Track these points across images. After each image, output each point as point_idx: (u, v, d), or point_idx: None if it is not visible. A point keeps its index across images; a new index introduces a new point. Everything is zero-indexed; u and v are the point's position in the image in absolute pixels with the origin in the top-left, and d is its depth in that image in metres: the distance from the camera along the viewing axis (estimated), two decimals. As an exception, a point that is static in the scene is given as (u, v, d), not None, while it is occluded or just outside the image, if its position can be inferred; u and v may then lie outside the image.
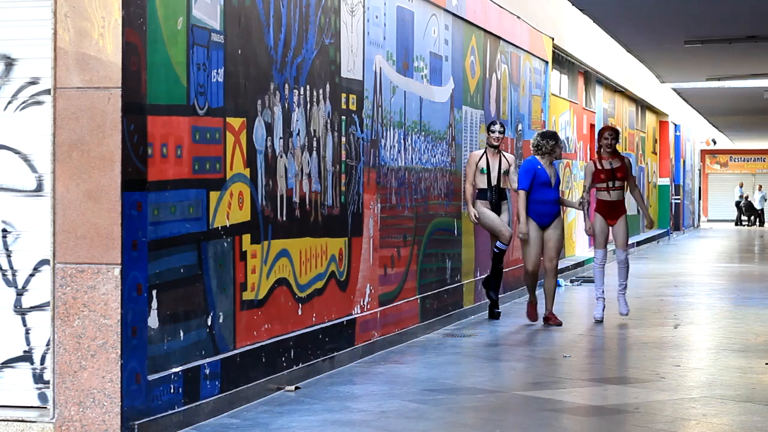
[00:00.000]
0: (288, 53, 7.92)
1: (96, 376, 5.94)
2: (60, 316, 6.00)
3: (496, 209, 11.81)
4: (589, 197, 11.88)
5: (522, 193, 11.34)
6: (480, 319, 11.96)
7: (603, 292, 11.89)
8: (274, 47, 7.70)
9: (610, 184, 11.76)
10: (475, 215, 11.67)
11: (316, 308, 8.38)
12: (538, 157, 11.38)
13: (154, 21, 6.24)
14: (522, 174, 11.36)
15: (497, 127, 11.82)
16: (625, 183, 11.89)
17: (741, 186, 50.92)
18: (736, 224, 48.94)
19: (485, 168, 11.73)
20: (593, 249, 12.12)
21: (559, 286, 15.82)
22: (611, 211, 11.83)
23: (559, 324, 11.38)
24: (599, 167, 11.81)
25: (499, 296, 12.26)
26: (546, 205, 11.35)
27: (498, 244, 11.89)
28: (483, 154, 11.81)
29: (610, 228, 11.83)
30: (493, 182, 11.77)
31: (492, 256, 12.02)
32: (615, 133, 11.98)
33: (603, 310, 11.83)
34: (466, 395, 7.68)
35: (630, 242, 12.24)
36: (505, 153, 11.97)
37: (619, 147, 11.95)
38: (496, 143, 11.76)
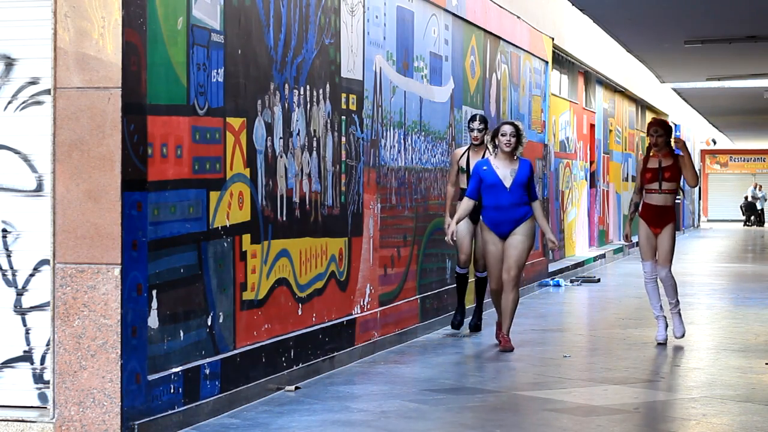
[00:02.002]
0: (288, 53, 7.92)
1: (96, 376, 5.94)
2: (60, 316, 5.99)
3: (476, 215, 10.34)
4: (639, 199, 10.41)
5: (464, 200, 9.82)
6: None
7: (661, 308, 10.41)
8: (274, 47, 7.70)
9: (657, 186, 10.22)
10: (452, 234, 9.87)
11: (316, 308, 8.38)
12: (491, 157, 9.76)
13: (154, 21, 6.24)
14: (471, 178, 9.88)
15: (476, 123, 10.63)
16: (677, 185, 10.31)
17: (757, 188, 50.56)
18: (745, 224, 48.84)
19: (465, 166, 10.60)
20: (641, 262, 10.64)
21: (559, 286, 15.83)
22: (656, 217, 10.26)
23: (510, 350, 9.65)
24: (647, 165, 10.32)
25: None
26: (501, 212, 9.56)
27: (457, 268, 10.88)
28: (465, 152, 10.74)
29: (657, 236, 10.29)
30: None
31: (456, 280, 10.99)
32: (663, 129, 10.32)
33: (666, 330, 10.29)
34: (466, 395, 7.68)
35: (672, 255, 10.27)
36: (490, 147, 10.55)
37: (677, 144, 10.29)
38: (476, 141, 10.58)
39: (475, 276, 10.95)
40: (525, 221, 9.60)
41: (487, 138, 10.01)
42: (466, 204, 9.78)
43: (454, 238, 10.04)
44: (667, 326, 10.31)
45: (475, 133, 10.58)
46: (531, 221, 9.64)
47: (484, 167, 9.60)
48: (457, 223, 9.94)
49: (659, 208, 10.24)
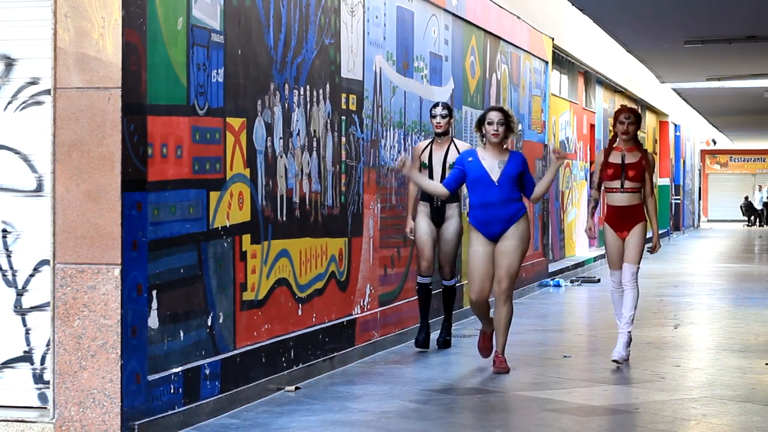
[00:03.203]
0: (288, 53, 7.91)
1: (96, 376, 5.94)
2: (60, 316, 5.99)
3: (439, 216, 9.54)
4: (599, 195, 9.25)
5: (441, 190, 8.66)
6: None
7: (625, 322, 9.03)
8: (274, 47, 7.70)
9: (619, 184, 8.96)
10: (411, 230, 9.52)
11: (316, 308, 8.38)
12: (478, 148, 8.63)
13: (154, 21, 6.24)
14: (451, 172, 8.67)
15: (439, 110, 9.50)
16: (641, 184, 9.00)
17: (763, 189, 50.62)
18: (752, 224, 48.83)
19: (427, 162, 9.52)
20: (608, 270, 9.33)
21: (559, 286, 15.83)
22: (622, 219, 8.97)
23: (506, 371, 8.46)
24: (608, 159, 9.04)
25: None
26: (489, 210, 8.32)
27: (419, 278, 9.68)
28: (428, 145, 9.62)
29: (623, 241, 9.00)
30: (436, 179, 9.42)
31: (417, 292, 9.79)
32: (634, 116, 9.04)
33: (624, 348, 8.90)
34: (466, 395, 7.68)
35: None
36: (458, 142, 9.67)
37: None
38: (439, 130, 9.48)
39: (442, 285, 9.88)
40: (517, 221, 8.35)
41: (455, 125, 9.26)
42: (434, 187, 8.69)
43: (412, 236, 9.48)
44: (628, 343, 8.97)
45: (438, 120, 9.48)
46: (524, 221, 8.41)
47: (470, 158, 8.41)
48: (414, 211, 9.39)
49: (623, 209, 8.97)
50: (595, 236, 9.45)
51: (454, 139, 9.62)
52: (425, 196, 9.38)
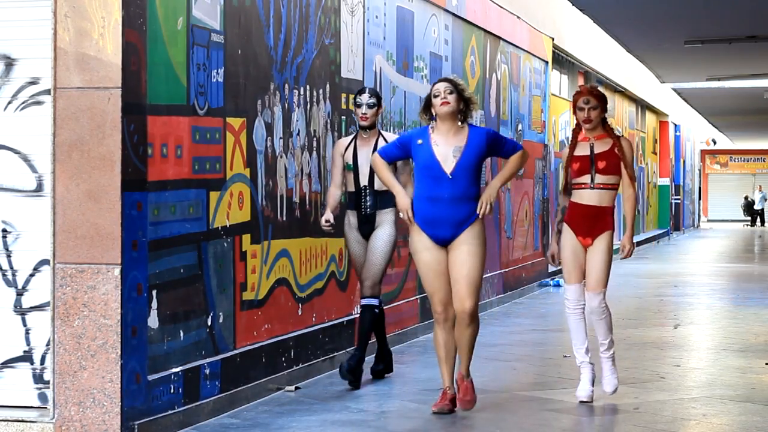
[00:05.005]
0: (288, 53, 7.91)
1: (96, 376, 5.94)
2: (60, 316, 5.99)
3: (368, 224, 7.83)
4: (567, 201, 7.36)
5: (376, 159, 7.00)
6: (479, 319, 11.91)
7: (587, 352, 7.42)
8: (274, 47, 7.70)
9: (588, 179, 7.22)
10: (326, 220, 7.74)
11: (316, 308, 8.38)
12: (431, 128, 6.84)
13: (154, 21, 6.24)
14: (393, 142, 7.10)
15: (365, 97, 7.80)
16: (618, 179, 7.27)
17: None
18: (751, 225, 48.84)
19: (351, 162, 7.84)
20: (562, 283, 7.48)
21: (559, 286, 15.82)
22: (586, 222, 7.23)
23: (471, 404, 7.05)
24: (574, 153, 7.29)
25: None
26: (438, 207, 6.72)
27: (362, 299, 7.90)
28: (351, 141, 7.88)
29: (586, 251, 7.29)
30: (363, 182, 7.81)
31: (360, 317, 8.05)
32: (597, 99, 7.26)
33: (592, 383, 7.34)
34: (466, 395, 7.66)
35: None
36: (387, 135, 7.93)
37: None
38: (365, 122, 7.79)
39: (360, 305, 7.96)
40: (471, 225, 6.76)
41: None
42: (378, 161, 6.96)
43: (327, 226, 7.75)
44: (594, 378, 7.36)
45: (364, 110, 7.77)
46: (478, 223, 6.80)
47: (419, 141, 6.79)
48: (335, 203, 7.79)
49: (590, 209, 7.22)
50: (559, 262, 7.34)
51: (381, 132, 7.95)
52: (352, 203, 7.85)
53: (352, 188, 7.84)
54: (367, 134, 7.85)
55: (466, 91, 6.82)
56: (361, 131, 7.87)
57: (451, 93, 6.74)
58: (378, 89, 9.58)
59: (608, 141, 7.28)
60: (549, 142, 16.93)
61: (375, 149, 7.61)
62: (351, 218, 7.91)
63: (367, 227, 7.84)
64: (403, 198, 6.82)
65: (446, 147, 6.74)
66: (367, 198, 7.79)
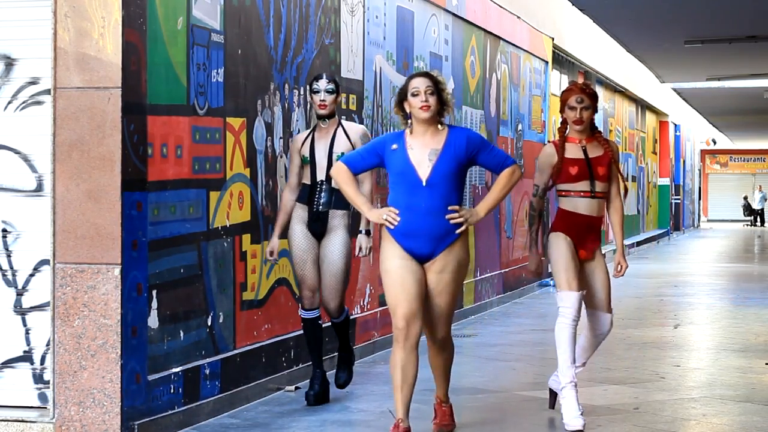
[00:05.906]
0: (288, 53, 7.92)
1: (96, 376, 5.94)
2: (60, 316, 5.99)
3: (320, 224, 7.10)
4: (543, 206, 6.83)
5: (339, 170, 6.07)
6: (479, 319, 11.94)
7: (575, 373, 6.66)
8: (274, 47, 7.70)
9: (588, 186, 6.60)
10: (272, 251, 7.22)
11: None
12: (407, 131, 5.98)
13: (154, 21, 6.24)
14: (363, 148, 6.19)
15: (323, 83, 7.10)
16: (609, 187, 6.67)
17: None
18: (752, 224, 48.84)
19: (308, 155, 7.11)
20: (556, 293, 6.82)
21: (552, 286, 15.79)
22: (583, 234, 6.64)
23: (451, 429, 6.40)
24: (565, 155, 6.61)
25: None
26: (414, 218, 5.87)
27: (301, 311, 7.29)
28: (309, 134, 7.18)
29: (585, 264, 6.71)
30: (320, 176, 7.10)
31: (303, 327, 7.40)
32: (589, 98, 6.61)
33: (579, 406, 6.53)
34: (466, 395, 7.67)
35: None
36: (347, 125, 7.23)
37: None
38: (323, 111, 7.09)
39: (331, 321, 7.39)
40: (452, 243, 5.92)
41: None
42: (342, 172, 6.05)
43: (273, 256, 7.22)
44: (581, 409, 6.55)
45: (322, 97, 7.09)
46: (462, 242, 5.99)
47: (393, 146, 5.95)
48: (283, 226, 7.14)
49: (587, 220, 6.62)
50: (542, 272, 6.43)
51: (342, 122, 7.22)
52: (304, 197, 7.14)
53: (307, 181, 7.12)
54: (325, 124, 7.13)
55: (446, 91, 5.99)
56: (319, 121, 7.14)
57: (432, 94, 5.90)
58: (378, 89, 9.59)
59: (598, 145, 6.68)
60: (549, 142, 16.93)
61: (334, 140, 7.06)
62: (301, 212, 7.14)
63: (317, 225, 7.09)
64: (373, 212, 5.97)
65: (422, 150, 5.91)
66: (322, 194, 7.06)
